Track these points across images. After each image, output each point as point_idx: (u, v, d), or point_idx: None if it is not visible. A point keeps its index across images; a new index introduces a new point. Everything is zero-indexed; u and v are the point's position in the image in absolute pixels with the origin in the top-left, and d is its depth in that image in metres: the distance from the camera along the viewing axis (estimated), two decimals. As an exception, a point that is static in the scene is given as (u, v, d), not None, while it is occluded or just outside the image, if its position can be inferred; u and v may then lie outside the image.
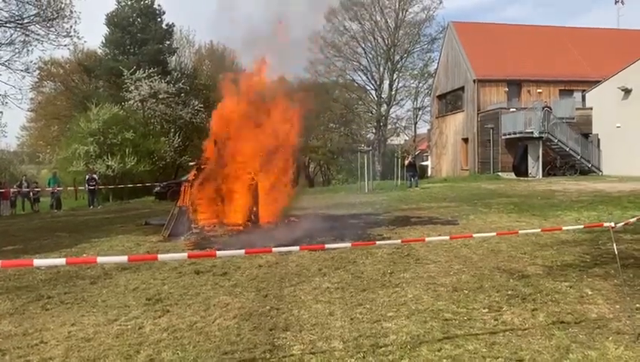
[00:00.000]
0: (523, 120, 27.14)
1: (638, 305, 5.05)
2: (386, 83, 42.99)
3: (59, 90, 41.61)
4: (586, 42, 34.11)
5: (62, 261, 4.04)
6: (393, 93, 42.95)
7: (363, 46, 42.50)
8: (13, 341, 4.71)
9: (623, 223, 5.67)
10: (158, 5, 39.12)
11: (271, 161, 12.05)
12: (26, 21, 22.45)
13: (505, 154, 28.98)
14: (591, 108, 29.13)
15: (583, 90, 30.49)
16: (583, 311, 4.97)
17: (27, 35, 22.83)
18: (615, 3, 45.26)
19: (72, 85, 40.75)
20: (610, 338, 4.26)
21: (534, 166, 27.64)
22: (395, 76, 42.85)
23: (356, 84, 44.04)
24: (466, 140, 33.14)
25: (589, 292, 5.55)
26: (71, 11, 23.23)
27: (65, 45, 24.66)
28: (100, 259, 4.18)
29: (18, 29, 22.59)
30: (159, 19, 39.24)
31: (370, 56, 42.84)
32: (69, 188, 25.53)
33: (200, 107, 34.86)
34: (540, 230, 7.03)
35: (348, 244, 6.64)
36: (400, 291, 5.89)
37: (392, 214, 13.77)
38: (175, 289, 6.33)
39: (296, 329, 4.73)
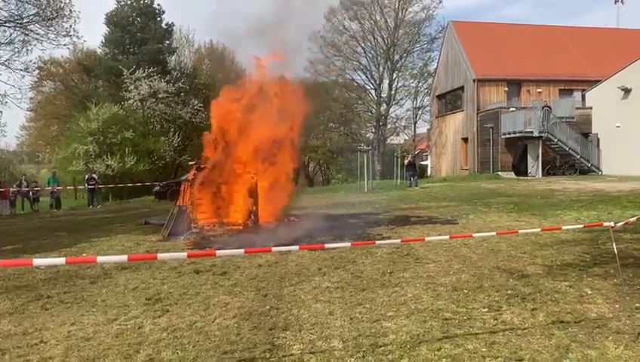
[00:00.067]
0: (523, 119, 27.15)
1: (637, 305, 5.05)
2: (386, 82, 43.03)
3: (58, 89, 41.60)
4: (586, 42, 34.11)
5: (61, 260, 4.04)
6: (393, 92, 42.97)
7: (363, 45, 42.54)
8: (13, 340, 4.70)
9: (622, 223, 5.67)
10: (158, 5, 39.13)
11: (271, 161, 12.05)
12: (25, 20, 22.46)
13: (504, 154, 28.99)
14: (590, 108, 29.14)
15: (583, 90, 30.50)
16: (583, 311, 4.97)
17: (27, 35, 22.85)
18: (615, 2, 45.32)
19: (71, 85, 40.74)
20: (610, 338, 4.26)
21: (534, 165, 27.65)
22: (394, 75, 42.90)
23: (356, 84, 44.09)
24: (465, 140, 33.15)
25: (589, 292, 5.55)
26: (70, 11, 23.26)
27: (64, 45, 24.68)
28: (100, 259, 4.18)
29: (18, 29, 22.60)
30: (159, 19, 39.22)
31: (370, 55, 42.90)
32: (68, 187, 25.52)
33: (200, 106, 34.84)
34: (539, 229, 7.03)
35: (347, 244, 6.64)
36: (400, 291, 5.89)
37: (391, 214, 13.78)
38: (175, 289, 6.33)
39: (296, 329, 4.73)
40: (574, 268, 6.62)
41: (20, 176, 28.31)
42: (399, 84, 43.57)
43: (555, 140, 26.98)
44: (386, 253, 7.99)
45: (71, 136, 30.76)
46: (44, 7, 22.51)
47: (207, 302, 5.70)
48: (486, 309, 5.11)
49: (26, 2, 22.04)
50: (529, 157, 27.97)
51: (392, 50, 41.69)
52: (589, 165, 27.75)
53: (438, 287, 5.97)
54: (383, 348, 4.21)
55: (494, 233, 7.74)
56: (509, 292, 5.66)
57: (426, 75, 42.83)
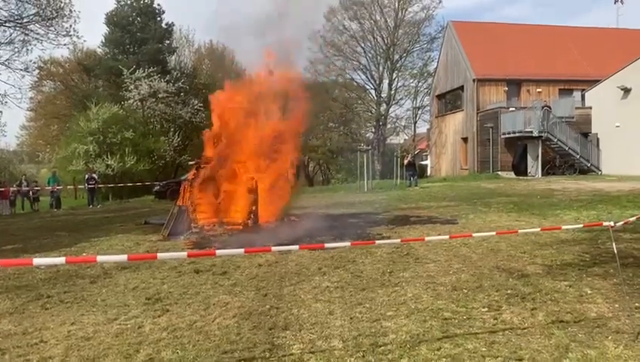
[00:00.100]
0: (522, 119, 27.15)
1: (637, 304, 5.06)
2: (386, 82, 43.05)
3: (58, 89, 41.59)
4: (586, 42, 34.12)
5: (61, 260, 4.04)
6: (393, 92, 42.99)
7: (362, 45, 42.56)
8: (13, 340, 4.71)
9: (622, 222, 5.67)
10: (158, 5, 39.16)
11: (270, 160, 12.05)
12: (25, 20, 22.45)
13: (504, 154, 29.00)
14: (590, 108, 29.14)
15: (583, 90, 30.50)
16: (583, 310, 4.97)
17: (27, 35, 22.84)
18: (614, 2, 45.29)
19: (71, 84, 40.74)
20: (610, 338, 4.26)
21: (534, 165, 27.65)
22: (394, 75, 42.91)
23: (356, 84, 44.11)
24: (465, 139, 33.15)
25: (589, 292, 5.56)
26: (70, 10, 23.25)
27: (64, 44, 24.67)
28: (100, 258, 4.18)
29: (17, 29, 22.59)
30: (159, 19, 39.23)
31: (370, 55, 42.91)
32: (68, 187, 25.52)
33: (200, 106, 34.85)
34: (539, 229, 7.04)
35: (347, 243, 6.63)
36: (399, 290, 5.89)
37: (391, 213, 13.78)
38: (175, 289, 6.33)
39: (296, 329, 4.74)
40: (574, 268, 6.62)
41: (20, 175, 28.29)
42: (399, 84, 43.66)
43: (555, 140, 26.98)
44: (386, 253, 7.99)
45: (71, 136, 30.77)
46: (44, 6, 22.51)
47: (207, 302, 5.70)
48: (486, 309, 5.11)
49: (26, 2, 22.04)
50: (529, 157, 27.97)
51: (391, 49, 41.70)
52: (589, 165, 27.76)
53: (438, 287, 5.97)
54: (382, 347, 4.21)
55: (494, 233, 7.73)
56: (508, 291, 5.67)
57: (425, 74, 42.86)
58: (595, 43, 34.01)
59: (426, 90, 43.07)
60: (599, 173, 27.46)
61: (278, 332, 4.65)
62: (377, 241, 6.66)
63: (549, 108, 27.50)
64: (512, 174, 28.02)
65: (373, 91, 44.18)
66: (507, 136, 28.33)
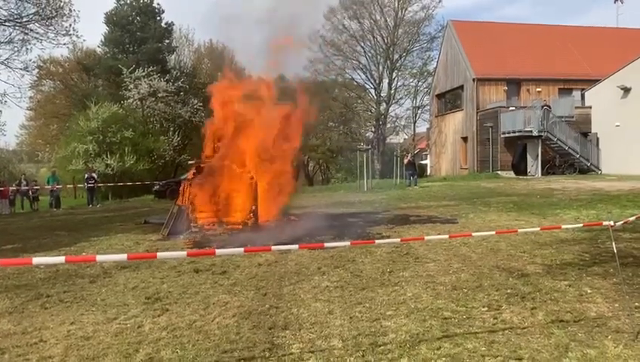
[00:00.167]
0: (522, 119, 27.16)
1: (637, 304, 5.06)
2: (386, 82, 43.05)
3: (58, 88, 41.58)
4: (586, 41, 34.12)
5: (61, 259, 4.03)
6: (392, 91, 42.99)
7: (362, 45, 42.56)
8: (13, 339, 4.70)
9: (622, 222, 5.67)
10: (157, 4, 39.15)
11: (270, 160, 12.05)
12: (25, 20, 22.45)
13: (504, 153, 29.01)
14: (590, 107, 29.15)
15: (582, 89, 30.51)
16: (582, 310, 4.97)
17: (26, 34, 22.85)
18: (614, 2, 45.36)
19: (71, 84, 40.73)
20: (610, 337, 4.26)
21: (533, 165, 27.66)
22: (394, 75, 42.92)
23: (355, 83, 44.11)
24: (465, 139, 33.15)
25: (588, 291, 5.56)
26: (70, 10, 23.28)
27: (64, 44, 24.72)
28: (100, 258, 4.17)
29: (17, 28, 22.59)
30: (158, 18, 39.23)
31: (370, 54, 42.91)
32: (68, 186, 25.51)
33: (199, 106, 34.85)
34: (539, 229, 7.02)
35: (347, 243, 6.63)
36: (399, 290, 5.89)
37: (391, 213, 13.78)
38: (174, 288, 6.33)
39: (296, 328, 4.73)
40: (574, 267, 6.62)
41: (19, 175, 28.30)
42: (399, 84, 43.67)
43: (555, 139, 26.99)
44: (386, 252, 7.99)
45: (70, 135, 30.75)
46: (43, 6, 22.52)
47: (206, 301, 5.70)
48: (485, 308, 5.11)
49: (26, 1, 22.06)
50: (528, 156, 27.98)
51: (391, 49, 41.69)
52: (589, 164, 27.77)
53: (438, 286, 5.97)
54: (382, 347, 4.21)
55: (494, 232, 7.72)
56: (508, 291, 5.67)
57: (425, 74, 42.87)
58: (595, 42, 34.02)
59: (425, 90, 43.08)
60: (599, 172, 27.47)
61: (277, 332, 4.65)
62: (377, 241, 6.65)
63: (549, 107, 27.50)
64: (511, 174, 28.03)
65: (372, 91, 44.24)
66: (507, 135, 28.33)
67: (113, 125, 29.45)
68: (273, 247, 5.01)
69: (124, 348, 4.37)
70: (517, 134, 27.55)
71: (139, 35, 37.37)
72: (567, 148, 27.27)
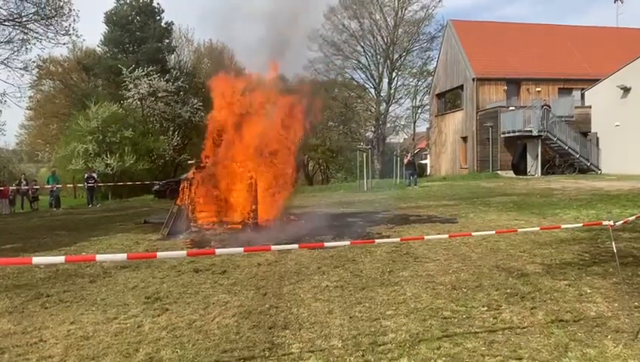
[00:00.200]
0: (522, 118, 27.16)
1: (636, 303, 5.06)
2: (385, 81, 43.08)
3: (58, 88, 41.58)
4: (585, 41, 34.13)
5: (61, 259, 4.03)
6: (392, 91, 42.99)
7: (362, 44, 42.55)
8: (13, 339, 4.70)
9: (621, 222, 5.67)
10: (157, 3, 39.16)
11: (270, 160, 12.04)
12: (24, 19, 22.45)
13: (504, 153, 29.02)
14: (590, 107, 29.15)
15: (582, 89, 30.52)
16: (582, 310, 4.97)
17: (26, 34, 22.85)
18: (614, 2, 45.33)
19: (70, 83, 40.73)
20: (609, 337, 4.26)
21: (533, 164, 27.67)
22: (394, 74, 42.93)
23: (355, 83, 44.13)
24: (465, 139, 33.15)
25: (588, 291, 5.56)
26: (69, 9, 23.30)
27: (63, 43, 24.73)
28: (99, 257, 4.18)
29: (17, 27, 22.59)
30: (158, 18, 39.24)
31: (370, 54, 42.91)
32: (68, 185, 25.51)
33: (199, 105, 34.86)
34: (539, 228, 7.01)
35: (347, 243, 6.63)
36: (399, 289, 5.89)
37: (391, 213, 13.78)
38: (174, 288, 6.33)
39: (296, 328, 4.73)
40: (573, 267, 6.62)
41: (19, 174, 28.31)
42: (399, 83, 43.69)
43: (555, 139, 26.99)
44: (386, 252, 7.99)
45: (70, 135, 30.76)
46: (43, 5, 22.53)
47: (206, 301, 5.70)
48: (485, 308, 5.11)
49: (26, 1, 22.05)
50: (528, 156, 27.98)
51: (391, 48, 41.69)
52: (588, 164, 27.78)
53: (438, 286, 5.97)
54: (382, 346, 4.21)
55: (494, 232, 7.74)
56: (508, 291, 5.67)
57: (425, 73, 42.89)
58: (595, 42, 34.02)
59: (425, 89, 43.09)
60: (599, 172, 27.48)
61: (277, 332, 4.65)
62: (377, 240, 6.66)
63: (549, 107, 27.51)
64: (511, 173, 28.04)
65: (372, 90, 44.25)
66: (507, 135, 28.33)
67: (113, 125, 29.46)
68: (273, 247, 5.01)
69: (124, 348, 4.37)
70: (517, 134, 27.56)
71: (138, 34, 37.38)
72: (566, 148, 27.28)
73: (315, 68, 41.00)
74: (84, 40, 36.46)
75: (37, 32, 22.87)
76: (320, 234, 10.13)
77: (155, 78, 33.78)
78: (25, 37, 22.88)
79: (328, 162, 48.05)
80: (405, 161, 25.92)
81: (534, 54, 32.15)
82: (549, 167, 27.77)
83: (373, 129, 44.53)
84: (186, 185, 11.66)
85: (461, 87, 33.49)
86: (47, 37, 23.05)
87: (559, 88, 31.89)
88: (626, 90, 25.95)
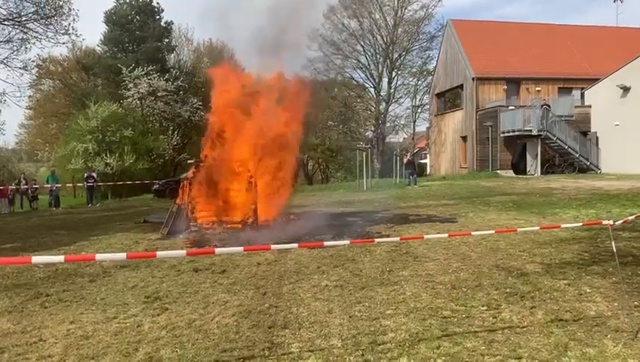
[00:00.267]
0: (522, 118, 27.17)
1: (636, 303, 5.06)
2: (385, 81, 43.07)
3: (57, 87, 41.55)
4: (585, 40, 34.13)
5: (60, 258, 4.03)
6: (392, 90, 42.99)
7: (362, 44, 42.54)
8: (12, 339, 4.70)
9: (621, 221, 5.66)
10: (157, 3, 39.12)
11: (270, 159, 12.03)
12: (24, 19, 22.43)
13: (504, 152, 29.02)
14: (589, 106, 29.16)
15: (582, 88, 30.52)
16: (582, 309, 4.97)
17: (25, 33, 22.83)
18: (614, 1, 45.40)
19: (70, 83, 40.71)
20: (609, 336, 4.26)
21: (533, 164, 27.67)
22: (393, 74, 42.91)
23: (355, 82, 44.12)
24: (464, 138, 33.15)
25: (588, 290, 5.56)
26: (69, 9, 23.28)
27: (63, 43, 24.80)
28: (99, 257, 4.17)
29: (16, 27, 22.57)
30: (158, 17, 39.21)
31: (369, 53, 42.89)
32: (67, 185, 25.50)
33: (199, 105, 34.84)
34: (538, 228, 7.03)
35: (347, 242, 6.62)
36: (399, 289, 5.89)
37: (390, 212, 13.78)
38: (174, 287, 6.33)
39: (295, 327, 4.73)
40: (573, 267, 6.62)
41: (18, 174, 28.30)
42: (398, 83, 43.69)
43: (554, 139, 27.00)
44: (385, 252, 7.99)
45: (70, 135, 30.76)
46: (42, 5, 22.51)
47: (206, 301, 5.70)
48: (485, 307, 5.11)
49: (25, 0, 22.02)
50: (528, 155, 27.99)
51: (391, 48, 41.68)
52: (588, 163, 27.79)
53: (437, 285, 5.97)
54: (382, 346, 4.21)
55: (493, 231, 7.73)
56: (507, 290, 5.67)
57: (425, 73, 42.88)
58: (595, 41, 34.03)
59: (425, 89, 43.09)
60: (598, 171, 27.49)
61: (277, 331, 4.65)
62: (376, 240, 6.66)
63: (549, 106, 27.52)
64: (511, 173, 28.04)
65: (372, 90, 44.24)
66: (506, 134, 28.33)
67: (112, 124, 29.45)
68: (273, 246, 5.01)
69: (124, 347, 4.37)
70: (516, 133, 27.56)
71: (138, 34, 37.36)
72: (566, 148, 27.29)
73: (314, 67, 41.06)
74: (83, 39, 36.51)
75: (36, 32, 22.88)
76: (320, 233, 10.13)
77: (154, 78, 33.78)
78: (24, 36, 22.89)
79: (328, 161, 48.06)
80: (405, 160, 25.91)
81: (534, 54, 32.15)
82: (549, 167, 27.78)
83: (372, 128, 44.53)
84: (185, 185, 11.66)
85: (461, 86, 33.49)
86: (47, 36, 23.05)
87: (559, 88, 31.89)
88: (626, 89, 25.96)
